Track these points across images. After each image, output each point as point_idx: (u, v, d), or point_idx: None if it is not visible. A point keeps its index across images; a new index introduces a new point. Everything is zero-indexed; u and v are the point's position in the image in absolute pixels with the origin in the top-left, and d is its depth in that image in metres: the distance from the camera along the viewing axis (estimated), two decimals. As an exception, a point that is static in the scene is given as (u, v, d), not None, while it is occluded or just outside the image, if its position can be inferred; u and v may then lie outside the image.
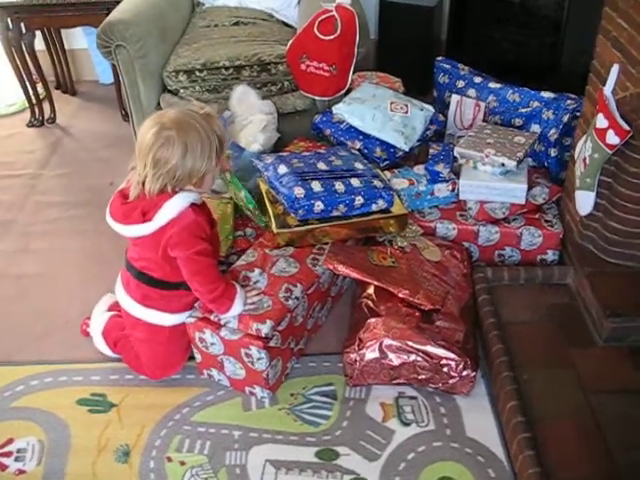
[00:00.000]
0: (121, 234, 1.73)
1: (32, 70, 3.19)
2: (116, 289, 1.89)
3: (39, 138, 3.27)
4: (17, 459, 1.74)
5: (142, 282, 1.80)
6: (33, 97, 3.29)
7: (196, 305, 1.82)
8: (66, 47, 3.55)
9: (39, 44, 3.32)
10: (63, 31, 3.45)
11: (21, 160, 3.07)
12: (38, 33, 3.23)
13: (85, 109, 3.54)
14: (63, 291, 2.24)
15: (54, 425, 1.81)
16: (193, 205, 1.70)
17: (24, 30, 3.04)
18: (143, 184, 1.65)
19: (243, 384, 1.85)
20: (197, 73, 2.55)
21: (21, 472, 1.70)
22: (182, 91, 2.59)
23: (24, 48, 3.08)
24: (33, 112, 3.34)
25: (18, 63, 3.14)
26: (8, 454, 1.75)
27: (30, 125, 3.36)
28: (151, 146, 1.60)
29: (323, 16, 2.47)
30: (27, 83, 3.22)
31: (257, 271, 1.90)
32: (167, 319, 1.83)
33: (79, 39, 3.65)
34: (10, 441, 1.78)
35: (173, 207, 1.65)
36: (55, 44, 3.48)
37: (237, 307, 1.74)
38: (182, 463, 1.71)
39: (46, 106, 3.36)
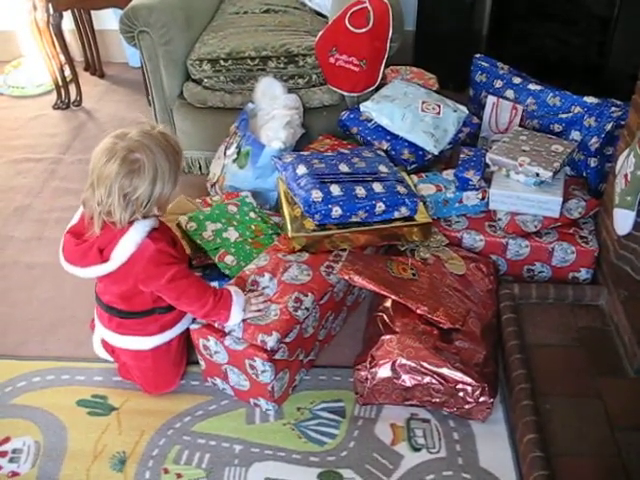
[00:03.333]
0: (81, 277, 1.64)
1: (59, 51, 3.13)
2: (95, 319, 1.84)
3: (63, 121, 3.23)
4: (12, 460, 1.69)
5: (113, 315, 1.73)
6: (60, 79, 3.24)
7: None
8: (96, 28, 3.49)
9: (69, 24, 3.27)
10: (93, 12, 3.38)
11: (44, 143, 3.03)
12: (68, 13, 3.17)
13: (112, 92, 3.48)
14: (72, 284, 2.18)
15: (52, 426, 1.76)
16: (152, 231, 1.60)
17: (51, 11, 2.98)
18: (107, 213, 1.54)
19: (247, 395, 1.77)
20: (222, 62, 2.45)
21: (14, 474, 1.66)
22: (206, 80, 2.50)
23: (51, 29, 3.02)
24: (59, 94, 3.29)
25: (45, 44, 3.08)
26: (3, 454, 1.71)
27: (56, 107, 3.31)
28: (117, 173, 1.49)
29: (355, 7, 2.36)
30: (53, 64, 3.17)
31: (267, 276, 1.81)
32: (147, 343, 1.75)
33: (109, 20, 3.58)
34: (7, 440, 1.74)
35: (130, 242, 1.56)
36: (85, 25, 3.43)
37: (236, 314, 1.65)
38: (179, 476, 1.64)
39: (73, 89, 3.31)
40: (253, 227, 2.05)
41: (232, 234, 2.00)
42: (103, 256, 1.57)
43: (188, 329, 1.78)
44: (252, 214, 2.09)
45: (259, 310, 1.70)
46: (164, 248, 1.60)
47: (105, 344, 1.87)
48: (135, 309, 1.71)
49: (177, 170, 1.58)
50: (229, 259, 1.93)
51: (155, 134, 1.56)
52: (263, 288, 1.78)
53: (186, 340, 1.84)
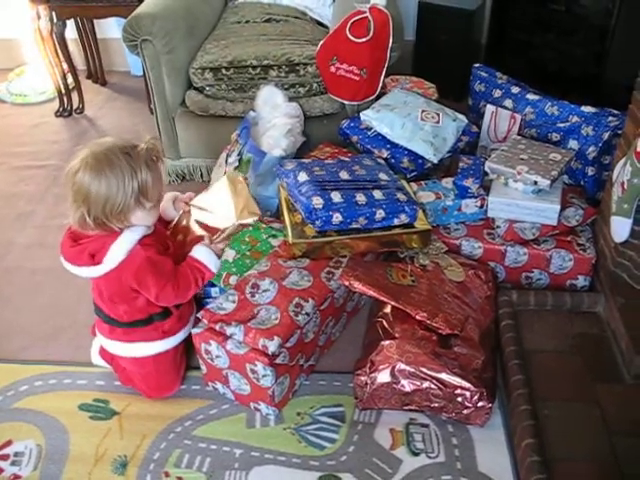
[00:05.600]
0: (75, 275, 1.67)
1: (62, 60, 3.15)
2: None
3: (66, 129, 3.25)
4: (14, 463, 1.70)
5: (114, 326, 1.76)
6: (62, 87, 3.27)
7: (200, 315, 1.76)
8: (98, 36, 3.53)
9: (71, 32, 3.30)
10: (96, 20, 3.42)
11: (46, 150, 3.06)
12: (71, 22, 3.20)
13: (114, 100, 3.51)
14: (74, 289, 2.20)
15: (54, 430, 1.77)
16: (145, 238, 1.63)
17: (55, 19, 3.01)
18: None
19: (248, 399, 1.78)
20: (223, 71, 2.48)
21: (16, 477, 1.66)
22: (208, 89, 2.53)
23: (54, 37, 3.05)
24: (62, 102, 3.32)
25: (48, 52, 3.11)
26: (5, 457, 1.71)
27: (58, 115, 3.34)
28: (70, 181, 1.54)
29: (356, 17, 2.38)
30: (56, 72, 3.20)
31: (268, 280, 1.83)
32: (150, 349, 1.78)
33: (112, 28, 3.61)
34: (9, 443, 1.75)
35: (119, 249, 1.59)
36: (87, 33, 3.46)
37: (213, 266, 1.72)
38: (179, 479, 1.65)
39: (75, 96, 3.34)
40: (247, 239, 2.06)
41: (229, 254, 2.00)
42: (95, 260, 1.60)
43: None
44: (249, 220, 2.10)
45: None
46: (154, 256, 1.63)
47: (103, 352, 1.88)
48: (133, 318, 1.73)
49: (133, 185, 1.54)
50: (233, 279, 1.94)
51: (115, 149, 1.54)
52: (264, 291, 1.80)
53: (186, 344, 1.86)
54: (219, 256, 1.74)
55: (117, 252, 1.59)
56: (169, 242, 1.76)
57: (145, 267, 1.61)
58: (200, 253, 1.70)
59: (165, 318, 1.75)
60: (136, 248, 1.61)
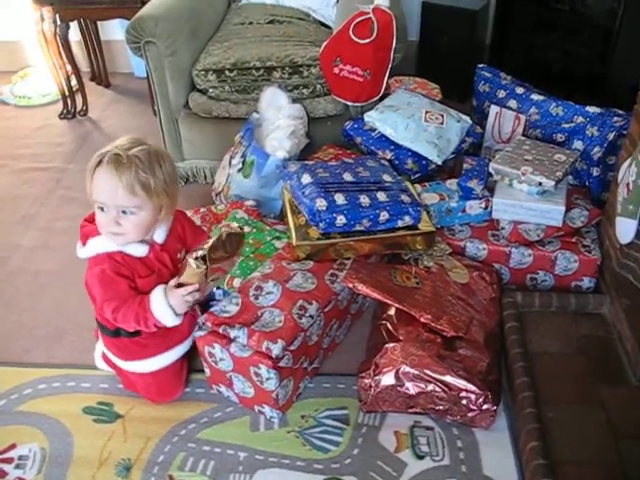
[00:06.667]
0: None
1: (66, 62, 3.16)
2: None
3: (69, 131, 3.25)
4: (18, 466, 1.69)
5: (103, 333, 1.78)
6: (66, 89, 3.27)
7: (202, 319, 1.75)
8: (102, 38, 3.53)
9: (75, 34, 3.30)
10: (99, 22, 3.42)
11: (50, 153, 3.06)
12: (74, 24, 3.20)
13: (117, 102, 3.51)
14: (78, 292, 2.18)
15: (58, 433, 1.77)
16: (117, 254, 1.62)
17: (59, 21, 3.01)
18: None
19: (252, 402, 1.78)
20: (227, 73, 2.47)
21: (20, 480, 1.67)
22: (211, 90, 2.52)
23: (58, 39, 3.05)
24: (65, 104, 3.32)
25: (52, 54, 3.11)
26: (9, 460, 1.71)
27: (62, 117, 3.34)
28: None
29: (360, 18, 2.37)
30: (60, 75, 3.20)
31: (271, 282, 1.83)
32: (143, 366, 1.79)
33: (115, 30, 3.61)
34: (13, 446, 1.75)
35: (92, 246, 1.62)
36: (91, 35, 3.46)
37: (162, 315, 1.61)
38: (183, 482, 1.65)
39: (79, 98, 3.34)
40: (251, 241, 2.06)
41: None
42: (83, 242, 1.64)
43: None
44: (246, 228, 2.10)
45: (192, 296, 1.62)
46: (109, 272, 1.60)
47: (105, 357, 1.88)
48: (103, 323, 1.74)
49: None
50: (237, 282, 1.94)
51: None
52: (267, 293, 1.79)
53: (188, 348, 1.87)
54: (182, 306, 1.62)
55: (91, 246, 1.62)
56: (162, 269, 1.70)
57: (97, 275, 1.61)
58: (152, 297, 1.62)
59: (130, 336, 1.73)
60: (102, 255, 1.61)
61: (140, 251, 1.64)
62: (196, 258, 1.55)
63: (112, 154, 1.51)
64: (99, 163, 1.52)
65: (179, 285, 1.60)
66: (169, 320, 1.62)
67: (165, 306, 1.60)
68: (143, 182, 1.52)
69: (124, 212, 1.55)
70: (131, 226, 1.57)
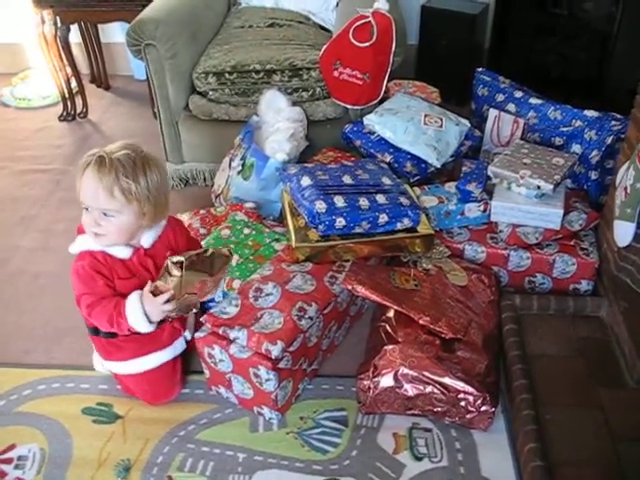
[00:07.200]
0: None
1: (66, 64, 3.16)
2: None
3: (69, 133, 3.26)
4: (17, 467, 1.70)
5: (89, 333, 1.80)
6: (66, 91, 3.27)
7: (203, 319, 1.76)
8: (102, 41, 3.53)
9: (75, 37, 3.31)
10: (99, 25, 3.43)
11: (49, 155, 3.07)
12: (74, 26, 3.21)
13: (117, 104, 3.51)
14: (77, 293, 2.21)
15: (57, 434, 1.77)
16: (99, 253, 1.65)
17: (59, 24, 3.02)
18: None
19: (251, 403, 1.78)
20: (227, 75, 2.48)
21: (19, 481, 1.67)
22: (211, 93, 2.53)
23: (58, 42, 3.06)
24: (65, 106, 3.33)
25: (52, 57, 3.12)
26: (9, 461, 1.71)
27: (62, 119, 3.35)
28: None
29: (359, 22, 2.38)
30: (60, 77, 3.21)
31: (271, 284, 1.83)
32: (122, 368, 1.82)
33: (115, 33, 3.62)
34: (12, 447, 1.75)
35: (78, 242, 1.67)
36: (91, 38, 3.46)
37: (137, 322, 1.62)
38: (182, 483, 1.65)
39: (79, 100, 3.34)
40: (250, 243, 2.07)
41: (232, 259, 2.01)
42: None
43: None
44: (246, 230, 2.11)
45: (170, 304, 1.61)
46: (87, 268, 1.63)
47: None
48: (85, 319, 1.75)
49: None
50: (236, 283, 1.94)
51: None
52: (267, 295, 1.80)
53: (185, 349, 1.88)
54: (157, 314, 1.63)
55: (77, 243, 1.67)
56: (144, 273, 1.71)
57: (76, 271, 1.66)
58: (128, 302, 1.62)
59: (107, 337, 1.75)
60: (85, 252, 1.65)
61: (123, 253, 1.67)
62: (174, 262, 1.55)
63: (97, 156, 1.54)
64: (87, 165, 1.55)
65: (155, 289, 1.61)
66: (142, 326, 1.63)
67: (140, 312, 1.61)
68: (123, 187, 1.54)
69: (105, 214, 1.58)
70: (112, 228, 1.60)
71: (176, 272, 1.55)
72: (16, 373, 1.95)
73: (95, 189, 1.54)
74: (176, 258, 1.56)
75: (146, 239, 1.69)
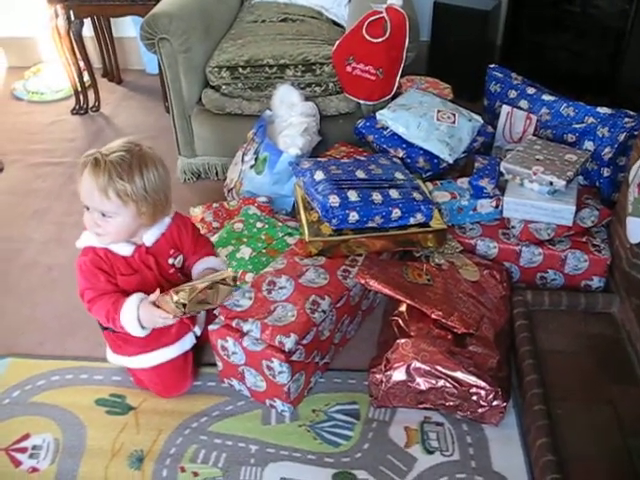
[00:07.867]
0: None
1: (79, 58, 3.18)
2: None
3: (82, 126, 3.28)
4: (31, 456, 1.71)
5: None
6: (79, 85, 3.29)
7: (216, 312, 1.77)
8: (114, 35, 3.55)
9: (88, 31, 3.32)
10: (112, 19, 3.44)
11: (62, 148, 3.09)
12: (87, 20, 3.22)
13: (129, 98, 3.53)
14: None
15: (71, 424, 1.79)
16: (102, 249, 1.66)
17: (72, 18, 3.03)
18: None
19: (264, 396, 1.79)
20: (240, 70, 2.49)
21: (34, 470, 1.68)
22: (224, 87, 2.54)
23: (71, 36, 3.07)
24: (78, 100, 3.35)
25: (65, 51, 3.14)
26: (23, 450, 1.73)
27: (74, 113, 3.37)
28: None
29: (372, 17, 2.38)
30: (73, 71, 3.22)
31: (284, 277, 1.84)
32: (129, 362, 1.84)
33: (128, 27, 3.64)
34: (26, 436, 1.77)
35: (84, 238, 1.69)
36: (104, 32, 3.48)
37: (130, 325, 1.64)
38: (195, 474, 1.66)
39: (91, 94, 3.36)
40: (263, 237, 2.08)
41: (245, 252, 2.02)
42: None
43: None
44: (258, 224, 2.12)
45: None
46: (89, 264, 1.66)
47: None
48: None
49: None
50: (249, 276, 1.95)
51: None
52: (280, 288, 1.81)
53: (197, 343, 1.89)
54: (150, 322, 1.64)
55: (82, 238, 1.70)
56: (145, 270, 1.72)
57: (79, 266, 1.68)
58: (126, 303, 1.63)
59: (114, 331, 1.74)
60: (88, 248, 1.68)
61: (125, 250, 1.68)
62: (177, 302, 1.55)
63: (93, 158, 1.54)
64: (84, 166, 1.56)
65: (159, 302, 1.61)
66: (133, 330, 1.64)
67: (134, 317, 1.62)
68: (118, 188, 1.53)
69: (103, 215, 1.59)
70: (110, 228, 1.61)
71: (179, 309, 1.56)
72: (30, 364, 1.97)
73: (91, 190, 1.55)
74: (180, 297, 1.55)
75: (148, 237, 1.70)
